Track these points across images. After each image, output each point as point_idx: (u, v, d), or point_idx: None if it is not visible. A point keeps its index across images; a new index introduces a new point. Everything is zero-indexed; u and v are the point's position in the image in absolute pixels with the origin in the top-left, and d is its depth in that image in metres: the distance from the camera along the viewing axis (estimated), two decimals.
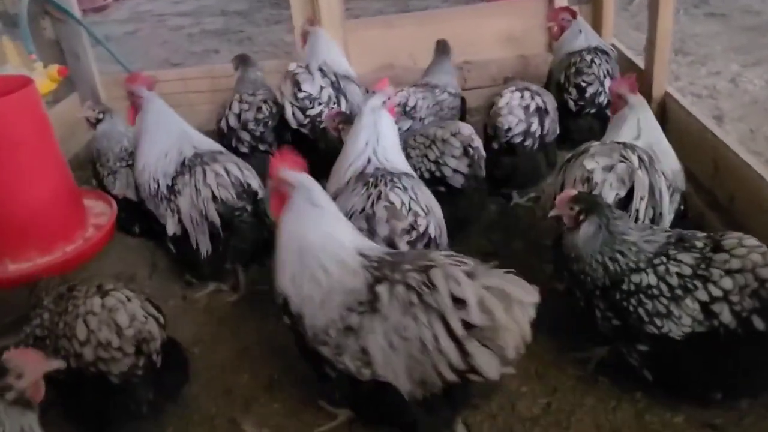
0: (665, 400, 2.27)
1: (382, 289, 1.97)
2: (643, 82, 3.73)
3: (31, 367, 1.70)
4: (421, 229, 2.46)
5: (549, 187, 2.63)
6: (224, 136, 3.80)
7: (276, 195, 2.20)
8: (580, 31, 3.95)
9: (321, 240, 2.09)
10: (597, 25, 4.38)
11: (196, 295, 3.08)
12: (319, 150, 3.52)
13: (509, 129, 3.24)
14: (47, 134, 3.10)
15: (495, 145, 3.29)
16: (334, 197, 2.66)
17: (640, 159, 2.27)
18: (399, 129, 2.99)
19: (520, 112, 3.25)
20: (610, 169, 2.24)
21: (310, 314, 2.08)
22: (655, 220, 2.29)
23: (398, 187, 2.50)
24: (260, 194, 2.92)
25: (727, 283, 1.95)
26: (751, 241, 2.02)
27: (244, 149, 3.79)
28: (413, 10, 7.14)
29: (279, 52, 6.37)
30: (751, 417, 2.20)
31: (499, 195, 3.50)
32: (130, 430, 2.28)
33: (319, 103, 3.64)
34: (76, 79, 4.66)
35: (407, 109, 3.61)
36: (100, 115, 3.59)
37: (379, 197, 2.45)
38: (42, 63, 3.92)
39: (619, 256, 2.07)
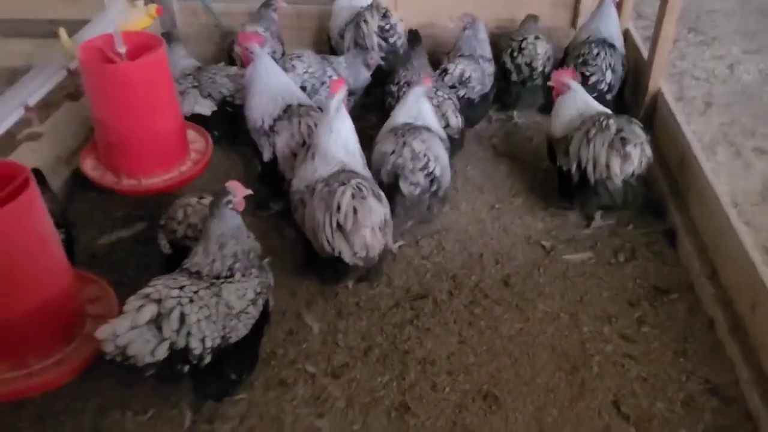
0: None
1: (320, 184, 3.17)
2: (647, 73, 4.31)
3: (239, 190, 2.79)
4: (431, 169, 3.48)
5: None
6: None
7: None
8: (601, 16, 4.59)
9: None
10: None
11: (264, 214, 3.94)
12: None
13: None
14: (170, 80, 3.96)
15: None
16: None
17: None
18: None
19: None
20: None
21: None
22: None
23: (418, 139, 3.51)
24: None
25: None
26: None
27: None
28: None
29: None
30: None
31: None
32: None
33: (397, 32, 4.50)
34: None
35: (463, 79, 4.33)
36: None
37: (404, 145, 3.48)
38: (143, 1, 4.58)
39: None
